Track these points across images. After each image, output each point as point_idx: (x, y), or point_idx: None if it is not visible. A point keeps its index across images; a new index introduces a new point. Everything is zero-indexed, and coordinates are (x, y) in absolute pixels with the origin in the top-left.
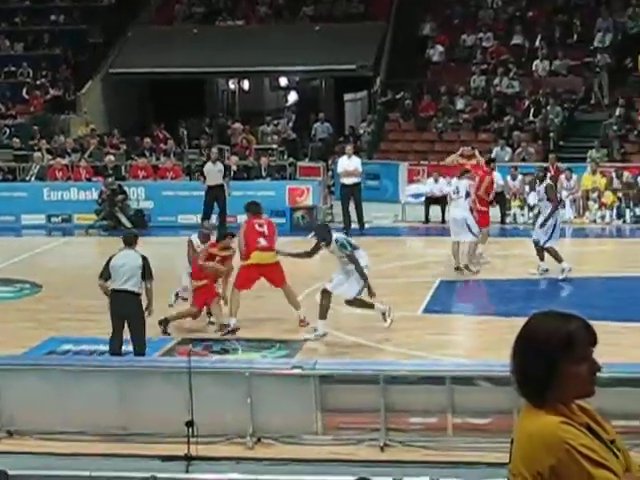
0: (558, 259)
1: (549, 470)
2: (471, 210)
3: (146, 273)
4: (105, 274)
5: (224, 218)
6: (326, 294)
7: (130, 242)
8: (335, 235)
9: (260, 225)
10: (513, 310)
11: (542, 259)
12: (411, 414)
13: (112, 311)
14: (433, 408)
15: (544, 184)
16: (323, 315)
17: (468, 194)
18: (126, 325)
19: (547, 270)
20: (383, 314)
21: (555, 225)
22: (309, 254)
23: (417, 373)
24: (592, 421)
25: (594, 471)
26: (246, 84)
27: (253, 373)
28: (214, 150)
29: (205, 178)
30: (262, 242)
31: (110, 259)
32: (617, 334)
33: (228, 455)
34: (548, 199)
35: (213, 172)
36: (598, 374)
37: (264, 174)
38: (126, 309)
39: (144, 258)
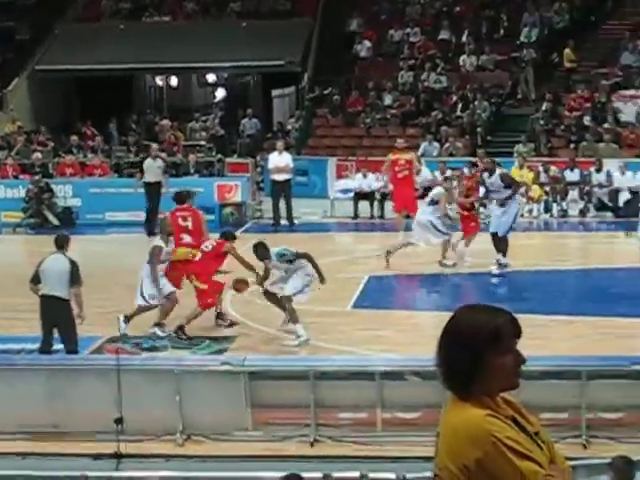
0: (504, 252)
1: (475, 463)
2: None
3: (73, 278)
4: (35, 278)
5: (155, 215)
6: (285, 299)
7: (61, 245)
8: (272, 249)
9: (184, 219)
10: (442, 304)
11: (504, 253)
12: (341, 409)
13: (41, 316)
14: (363, 403)
15: (497, 174)
16: (296, 319)
17: (434, 202)
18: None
19: (507, 265)
20: (297, 335)
21: (516, 215)
22: (264, 277)
23: (346, 369)
24: (517, 414)
25: (519, 463)
26: (174, 80)
27: (182, 370)
28: (154, 146)
29: (143, 174)
30: (186, 238)
31: (41, 263)
32: (545, 327)
33: (158, 452)
34: (506, 187)
35: (152, 168)
36: (525, 367)
37: (192, 171)
38: (55, 315)
39: (73, 263)
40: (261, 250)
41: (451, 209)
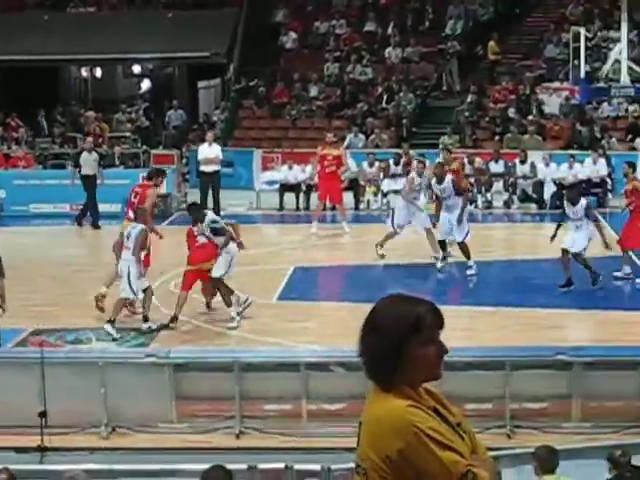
0: (468, 256)
1: (397, 454)
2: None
3: None
4: None
5: (93, 207)
6: (215, 281)
7: None
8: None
9: (135, 195)
10: (366, 296)
11: (469, 256)
12: (266, 401)
13: None
14: (288, 395)
15: (447, 180)
16: (229, 302)
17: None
18: None
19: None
20: (238, 300)
21: (467, 219)
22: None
23: (271, 360)
24: (439, 404)
25: (441, 453)
26: (99, 72)
27: (107, 362)
28: (89, 139)
29: (80, 167)
30: (129, 213)
31: None
32: (469, 318)
33: (83, 445)
34: (457, 193)
35: (89, 161)
36: (449, 358)
37: (117, 162)
38: None
39: None
40: (195, 211)
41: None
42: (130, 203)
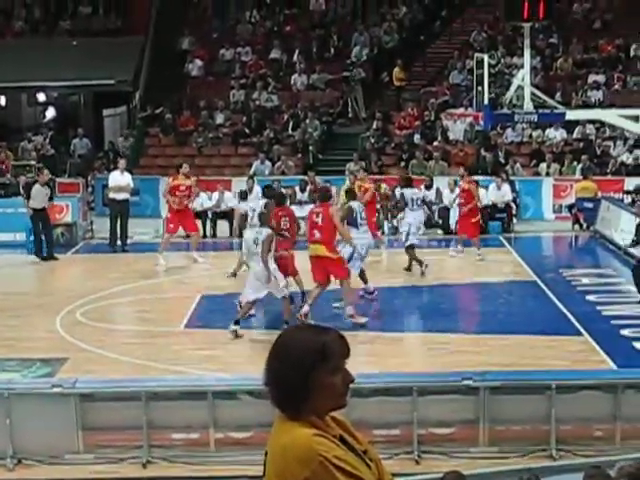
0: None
1: None
2: None
3: None
4: None
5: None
6: None
7: None
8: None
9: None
10: (273, 323)
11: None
12: (174, 430)
13: None
14: (195, 423)
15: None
16: None
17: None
18: None
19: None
20: None
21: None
22: None
23: (179, 389)
24: (346, 432)
25: None
26: (2, 100)
27: (12, 393)
28: (46, 172)
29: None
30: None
31: None
32: (376, 344)
33: None
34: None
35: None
36: (357, 384)
37: (22, 191)
38: None
39: None
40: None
41: None
42: None
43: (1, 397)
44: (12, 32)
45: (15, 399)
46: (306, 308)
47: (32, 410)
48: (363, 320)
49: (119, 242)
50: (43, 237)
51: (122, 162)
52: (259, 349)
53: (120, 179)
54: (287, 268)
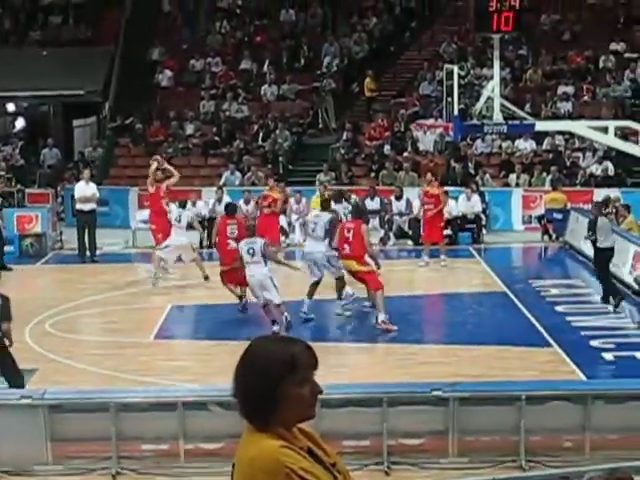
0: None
1: None
2: None
3: (4, 314)
4: None
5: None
6: None
7: None
8: None
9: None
10: (243, 334)
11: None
12: (143, 441)
13: None
14: (165, 434)
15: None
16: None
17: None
18: None
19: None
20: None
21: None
22: None
23: (148, 400)
24: (313, 444)
25: None
26: None
27: None
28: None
29: None
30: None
31: None
32: (345, 355)
33: None
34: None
35: None
36: (326, 395)
37: None
38: None
39: (5, 299)
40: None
41: None
42: None
43: None
44: None
45: None
46: (382, 316)
47: (0, 421)
48: (394, 328)
49: (88, 253)
50: None
51: (86, 172)
52: (229, 359)
53: (85, 189)
54: (238, 278)
